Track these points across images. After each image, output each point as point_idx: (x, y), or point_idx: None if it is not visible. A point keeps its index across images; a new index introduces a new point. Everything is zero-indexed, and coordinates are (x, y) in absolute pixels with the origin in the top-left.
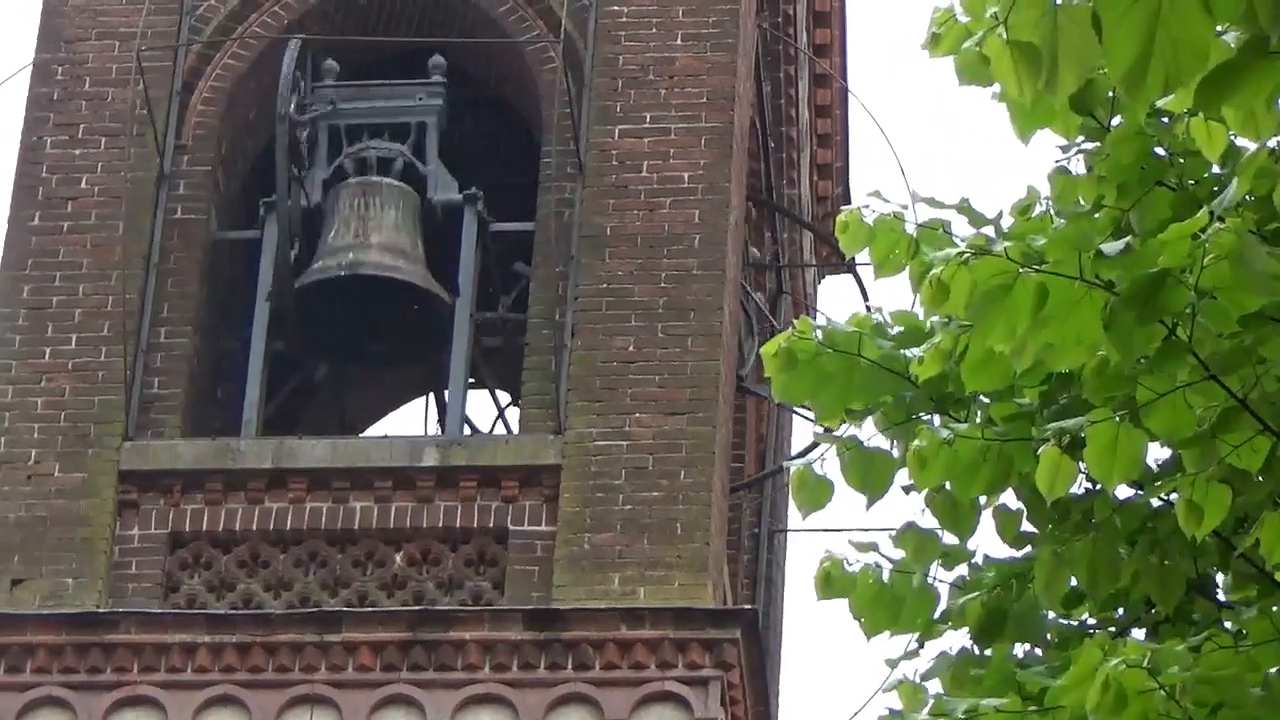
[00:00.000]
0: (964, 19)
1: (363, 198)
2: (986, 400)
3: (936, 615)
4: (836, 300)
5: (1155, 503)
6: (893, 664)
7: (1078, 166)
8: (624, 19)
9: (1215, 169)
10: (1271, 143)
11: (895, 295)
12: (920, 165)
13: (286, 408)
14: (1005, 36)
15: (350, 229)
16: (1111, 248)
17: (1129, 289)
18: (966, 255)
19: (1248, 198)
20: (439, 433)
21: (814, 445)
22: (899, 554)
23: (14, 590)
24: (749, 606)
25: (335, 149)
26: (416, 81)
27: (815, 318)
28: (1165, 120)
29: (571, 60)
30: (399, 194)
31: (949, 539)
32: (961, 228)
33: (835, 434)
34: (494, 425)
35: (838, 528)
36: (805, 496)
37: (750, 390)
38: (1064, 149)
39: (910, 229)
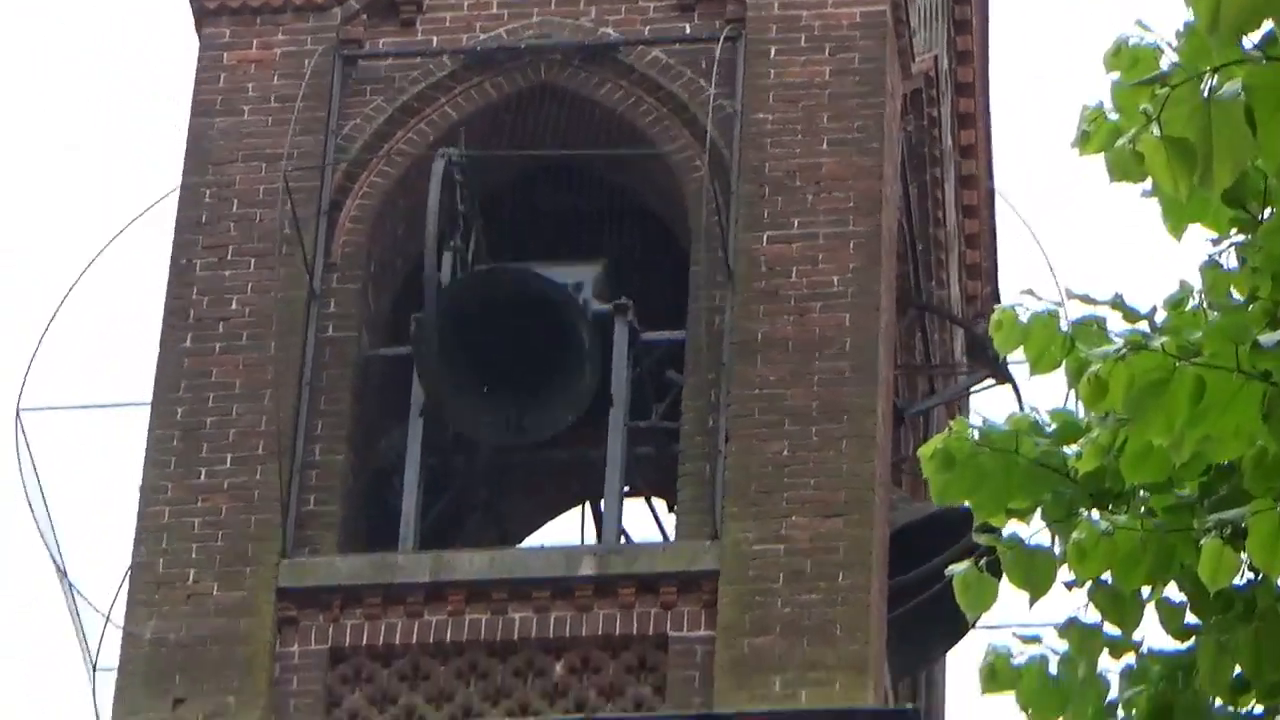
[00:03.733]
0: (1114, 116)
1: None
2: (1145, 493)
3: (1105, 705)
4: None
5: None
6: None
7: (1229, 260)
8: (769, 125)
9: None
10: None
11: (1045, 393)
12: (1069, 263)
13: (443, 521)
14: (1159, 133)
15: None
16: (1268, 339)
17: None
18: (1124, 351)
19: None
20: (596, 542)
21: (972, 545)
22: (1062, 647)
23: (176, 709)
24: (910, 706)
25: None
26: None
27: (968, 418)
28: None
29: (717, 168)
30: None
31: (1112, 631)
32: (1116, 324)
33: (995, 533)
34: (651, 533)
35: (999, 624)
36: (970, 599)
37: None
38: (1215, 242)
39: (1065, 326)
